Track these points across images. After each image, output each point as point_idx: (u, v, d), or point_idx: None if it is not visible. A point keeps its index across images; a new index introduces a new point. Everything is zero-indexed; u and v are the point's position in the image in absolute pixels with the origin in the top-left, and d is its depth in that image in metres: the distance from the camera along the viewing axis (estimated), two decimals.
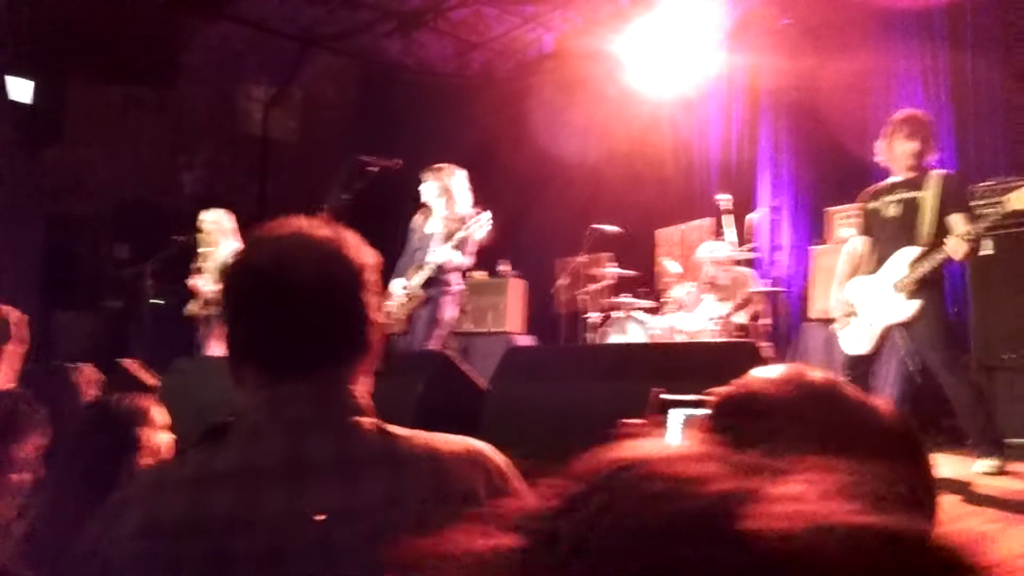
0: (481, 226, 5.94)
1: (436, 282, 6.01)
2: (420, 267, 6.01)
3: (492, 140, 9.79)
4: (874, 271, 4.87)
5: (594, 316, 8.11)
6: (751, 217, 7.86)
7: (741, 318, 7.34)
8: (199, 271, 7.10)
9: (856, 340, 4.88)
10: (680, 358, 3.93)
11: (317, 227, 1.38)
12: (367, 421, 1.32)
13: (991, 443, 4.55)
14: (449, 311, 6.11)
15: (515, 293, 9.15)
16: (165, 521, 1.22)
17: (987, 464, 4.49)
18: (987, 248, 5.27)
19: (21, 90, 8.79)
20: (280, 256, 1.34)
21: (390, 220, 6.39)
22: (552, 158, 9.38)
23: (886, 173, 5.03)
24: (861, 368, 4.85)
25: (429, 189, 6.18)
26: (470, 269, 6.53)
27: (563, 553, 0.48)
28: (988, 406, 4.69)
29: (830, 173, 7.80)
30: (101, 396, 2.86)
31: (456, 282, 6.12)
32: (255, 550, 1.20)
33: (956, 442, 5.06)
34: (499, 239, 6.32)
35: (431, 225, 6.16)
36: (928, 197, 4.71)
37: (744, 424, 0.97)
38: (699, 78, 8.89)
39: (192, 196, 9.88)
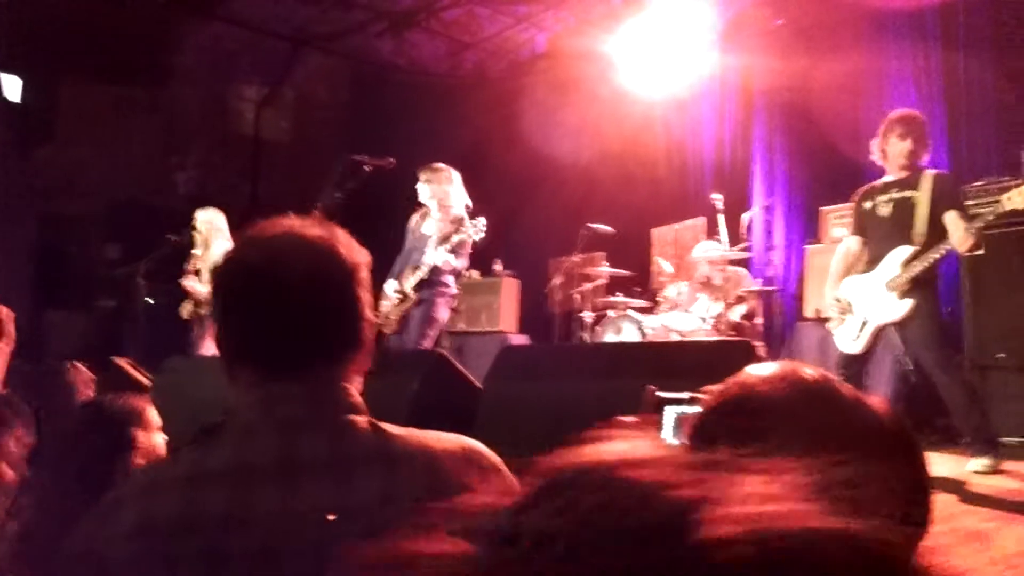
0: (477, 230, 5.93)
1: (430, 283, 6.01)
2: (416, 268, 6.01)
3: (485, 140, 9.78)
4: (868, 270, 4.88)
5: (588, 315, 8.11)
6: (745, 217, 7.87)
7: (735, 315, 7.36)
8: (192, 271, 7.09)
9: (850, 339, 4.89)
10: (674, 357, 3.92)
11: (309, 226, 1.39)
12: (361, 419, 1.32)
13: (985, 442, 4.56)
14: (443, 312, 6.11)
15: (509, 292, 9.14)
16: (159, 520, 1.22)
17: (981, 463, 4.49)
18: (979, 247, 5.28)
19: (11, 87, 8.77)
20: (272, 255, 1.34)
21: (383, 219, 6.38)
22: (545, 158, 9.37)
23: (880, 172, 5.04)
24: (855, 367, 4.86)
25: (425, 190, 6.17)
26: (465, 270, 6.53)
27: (515, 555, 0.48)
28: (982, 405, 4.70)
29: (823, 173, 7.81)
30: (96, 396, 2.85)
31: (450, 284, 6.12)
32: (249, 549, 1.20)
33: (950, 441, 5.07)
34: (492, 239, 6.31)
35: (428, 227, 6.15)
36: (921, 196, 4.72)
37: (738, 422, 0.97)
38: (692, 78, 8.90)
39: (184, 196, 9.86)
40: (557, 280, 8.80)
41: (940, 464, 4.60)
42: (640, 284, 8.57)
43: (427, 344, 5.92)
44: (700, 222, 8.52)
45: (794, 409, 0.97)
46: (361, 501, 1.22)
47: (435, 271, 5.97)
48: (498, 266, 9.33)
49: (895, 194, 4.84)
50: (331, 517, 1.20)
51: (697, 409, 1.10)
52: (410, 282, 6.00)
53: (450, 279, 6.10)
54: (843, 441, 0.93)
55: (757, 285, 7.63)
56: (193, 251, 7.12)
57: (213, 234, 7.01)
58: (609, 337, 7.65)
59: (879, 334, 4.83)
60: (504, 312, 9.00)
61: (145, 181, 9.84)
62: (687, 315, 7.46)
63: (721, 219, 7.59)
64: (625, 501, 0.48)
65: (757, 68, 8.59)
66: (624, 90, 8.93)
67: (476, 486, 1.27)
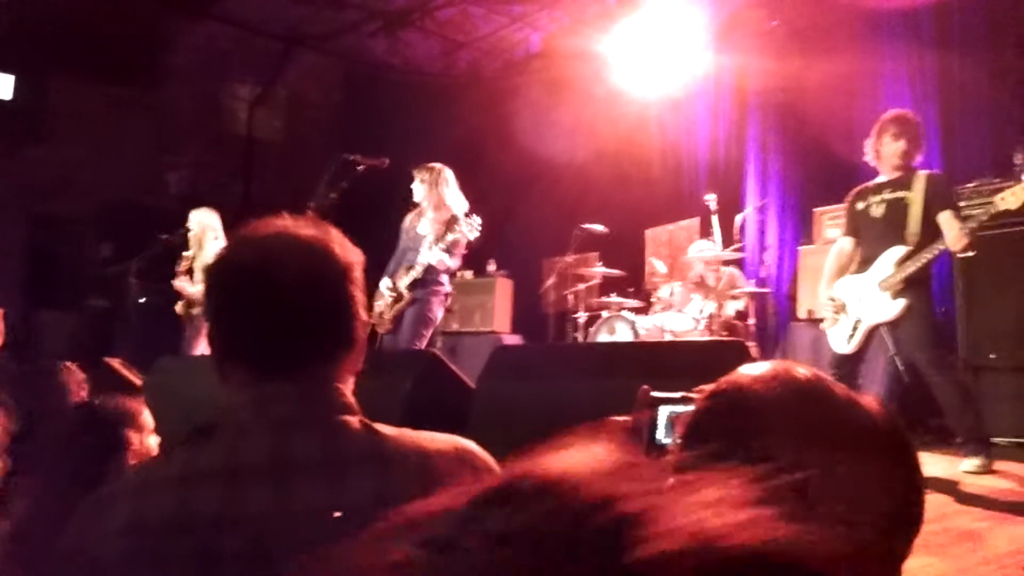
0: (473, 228, 5.93)
1: (424, 283, 6.00)
2: (410, 267, 6.01)
3: (479, 140, 9.78)
4: (861, 271, 4.89)
5: (581, 316, 8.11)
6: (738, 217, 7.88)
7: (729, 312, 7.37)
8: (185, 270, 7.08)
9: (844, 339, 4.89)
10: (668, 357, 3.92)
11: (303, 226, 1.38)
12: (354, 419, 1.31)
13: (978, 442, 4.57)
14: (437, 311, 6.10)
15: (502, 292, 9.16)
16: (152, 519, 1.22)
17: (974, 463, 4.51)
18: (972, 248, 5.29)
19: (2, 86, 8.74)
20: (265, 254, 1.33)
21: (376, 219, 6.38)
22: (539, 158, 9.38)
23: (873, 173, 5.05)
24: (848, 367, 4.87)
25: (420, 190, 6.16)
26: (458, 269, 6.52)
27: (449, 563, 0.48)
28: (975, 405, 4.71)
29: (817, 173, 7.82)
30: (89, 396, 2.85)
31: (445, 283, 6.11)
32: (242, 549, 1.19)
33: (943, 441, 5.08)
34: (486, 239, 6.31)
35: (422, 226, 6.14)
36: (915, 197, 4.73)
37: (731, 421, 0.97)
38: (686, 78, 8.90)
39: (177, 196, 9.85)
40: (551, 280, 8.81)
41: (933, 464, 4.61)
42: (634, 284, 8.58)
43: (421, 344, 5.92)
44: (694, 222, 8.53)
45: (787, 408, 0.97)
46: (354, 501, 1.21)
47: (430, 270, 5.96)
48: (492, 266, 9.34)
49: (888, 194, 4.85)
50: (337, 514, 1.19)
51: (690, 408, 1.10)
52: (404, 281, 6.00)
53: (444, 278, 6.10)
54: (836, 441, 0.94)
55: (750, 285, 7.64)
56: (184, 252, 7.10)
57: (206, 234, 7.00)
58: (603, 337, 7.66)
59: (872, 334, 4.84)
60: (498, 312, 9.01)
61: (137, 181, 9.82)
62: (680, 315, 7.47)
63: (715, 219, 7.60)
64: (560, 517, 0.48)
65: (751, 68, 8.60)
66: (618, 90, 8.94)
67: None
